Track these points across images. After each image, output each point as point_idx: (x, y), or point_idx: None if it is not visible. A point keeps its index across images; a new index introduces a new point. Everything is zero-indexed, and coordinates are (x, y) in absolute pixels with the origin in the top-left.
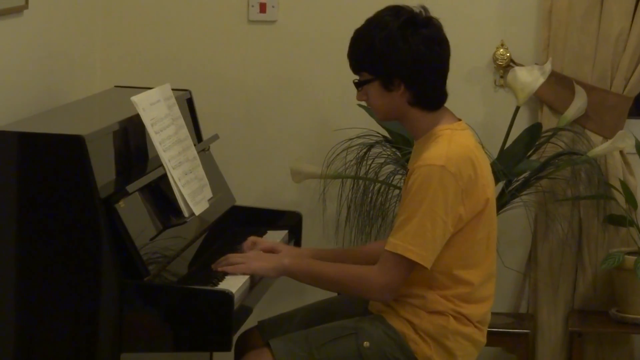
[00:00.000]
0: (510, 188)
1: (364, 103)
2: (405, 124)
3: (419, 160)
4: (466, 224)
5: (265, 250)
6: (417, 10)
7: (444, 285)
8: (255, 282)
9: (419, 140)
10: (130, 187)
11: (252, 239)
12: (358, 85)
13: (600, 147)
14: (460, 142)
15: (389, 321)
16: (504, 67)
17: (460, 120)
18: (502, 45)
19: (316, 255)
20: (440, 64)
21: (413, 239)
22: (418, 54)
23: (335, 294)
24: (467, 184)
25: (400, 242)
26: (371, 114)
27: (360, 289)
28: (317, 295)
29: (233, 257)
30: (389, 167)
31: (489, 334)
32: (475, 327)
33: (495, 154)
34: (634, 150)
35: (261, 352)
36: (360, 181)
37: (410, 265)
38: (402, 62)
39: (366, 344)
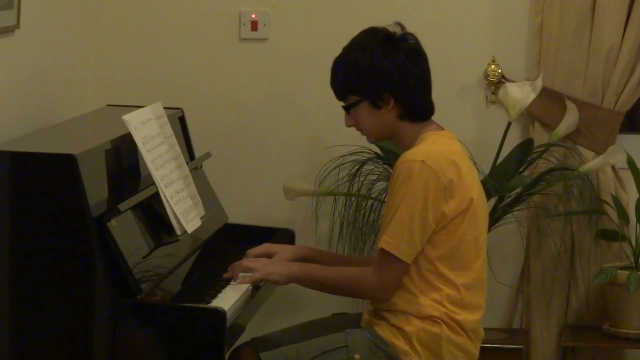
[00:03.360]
0: (503, 204)
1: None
2: (395, 139)
3: (400, 157)
4: (450, 221)
5: (261, 255)
6: (392, 28)
7: (433, 286)
8: (249, 301)
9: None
10: (122, 206)
11: (250, 252)
12: (347, 108)
13: (592, 162)
14: (444, 143)
15: (380, 333)
16: (496, 83)
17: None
18: (494, 61)
19: (315, 256)
20: (423, 74)
21: (392, 232)
22: (403, 67)
23: (329, 315)
24: (449, 182)
25: (384, 238)
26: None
27: (358, 290)
28: (310, 314)
29: (246, 262)
30: (382, 184)
31: (483, 349)
32: (469, 337)
33: (487, 170)
34: (626, 165)
35: None
36: (353, 198)
37: (398, 262)
38: (388, 76)
39: (357, 357)
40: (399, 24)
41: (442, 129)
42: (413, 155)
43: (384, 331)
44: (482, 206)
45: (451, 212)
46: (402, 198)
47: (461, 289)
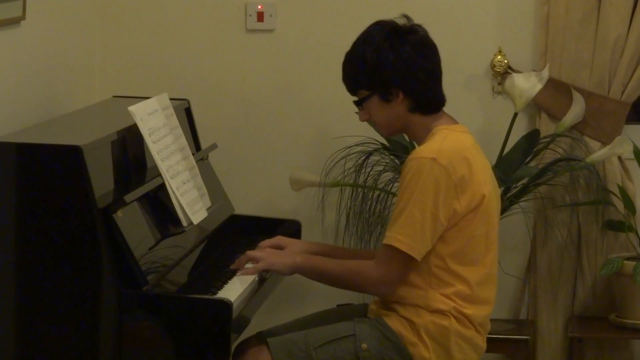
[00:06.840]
0: (509, 195)
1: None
2: (408, 132)
3: (412, 154)
4: (462, 218)
5: (271, 247)
6: (400, 20)
7: (443, 282)
8: (255, 292)
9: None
10: (128, 197)
11: (262, 243)
12: (358, 103)
13: (598, 153)
14: (456, 139)
15: (388, 323)
16: (502, 74)
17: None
18: (500, 52)
19: (327, 252)
20: (432, 66)
21: (402, 229)
22: (409, 60)
23: (334, 306)
24: (460, 179)
25: (391, 234)
26: (372, 124)
27: (360, 284)
28: (315, 306)
29: (252, 252)
30: (388, 175)
31: (489, 340)
32: (477, 330)
33: (493, 161)
34: (632, 156)
35: (259, 350)
36: (359, 189)
37: (404, 257)
38: (395, 70)
39: (364, 346)
40: (406, 17)
41: (455, 122)
42: (424, 152)
43: (392, 322)
44: (495, 201)
45: (462, 209)
46: (411, 195)
47: (472, 284)
